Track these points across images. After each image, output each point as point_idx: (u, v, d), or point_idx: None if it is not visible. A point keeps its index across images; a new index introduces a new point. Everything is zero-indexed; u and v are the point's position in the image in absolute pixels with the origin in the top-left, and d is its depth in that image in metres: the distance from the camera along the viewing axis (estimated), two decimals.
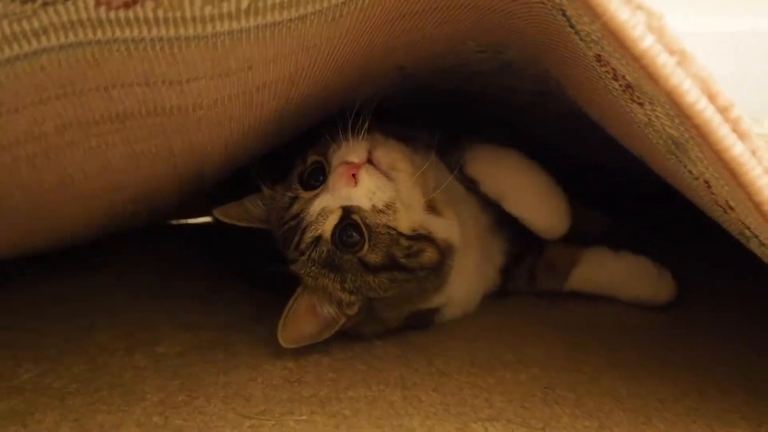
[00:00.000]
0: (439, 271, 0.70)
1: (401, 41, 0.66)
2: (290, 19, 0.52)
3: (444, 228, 0.70)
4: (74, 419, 0.57)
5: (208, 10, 0.48)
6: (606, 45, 0.46)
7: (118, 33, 0.45)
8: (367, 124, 0.68)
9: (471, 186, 0.79)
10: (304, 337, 0.66)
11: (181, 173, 0.70)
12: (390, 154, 0.68)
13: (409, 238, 0.66)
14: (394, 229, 0.66)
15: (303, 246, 0.66)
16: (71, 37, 0.44)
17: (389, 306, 0.70)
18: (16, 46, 0.43)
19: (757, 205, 0.44)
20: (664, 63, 0.41)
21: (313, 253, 0.66)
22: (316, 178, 0.69)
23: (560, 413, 0.56)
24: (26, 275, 0.75)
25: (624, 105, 0.54)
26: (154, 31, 0.47)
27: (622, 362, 0.65)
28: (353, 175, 0.65)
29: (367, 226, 0.65)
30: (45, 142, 0.52)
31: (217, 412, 0.57)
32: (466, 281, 0.76)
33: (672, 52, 0.41)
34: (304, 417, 0.56)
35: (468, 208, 0.78)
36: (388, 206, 0.66)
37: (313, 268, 0.66)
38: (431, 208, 0.70)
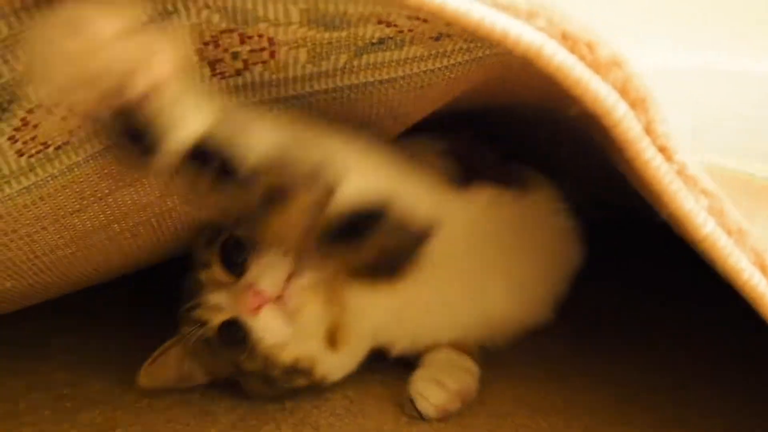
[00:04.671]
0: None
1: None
2: (380, 81, 0.54)
3: (331, 366, 0.68)
4: None
5: (309, 68, 0.51)
6: None
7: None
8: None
9: None
10: (165, 383, 0.67)
11: None
12: (303, 294, 0.63)
13: (285, 370, 0.65)
14: (273, 359, 0.64)
15: (191, 314, 0.65)
16: None
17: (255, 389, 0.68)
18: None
19: None
20: (724, 245, 0.43)
21: (195, 329, 0.65)
22: (241, 256, 0.64)
23: None
24: None
25: None
26: (258, 95, 0.50)
27: (673, 419, 0.66)
28: (258, 306, 0.62)
29: (251, 340, 0.63)
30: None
31: None
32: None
33: (730, 232, 0.43)
34: None
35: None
36: (274, 345, 0.64)
37: (192, 333, 0.65)
38: (332, 339, 0.66)
